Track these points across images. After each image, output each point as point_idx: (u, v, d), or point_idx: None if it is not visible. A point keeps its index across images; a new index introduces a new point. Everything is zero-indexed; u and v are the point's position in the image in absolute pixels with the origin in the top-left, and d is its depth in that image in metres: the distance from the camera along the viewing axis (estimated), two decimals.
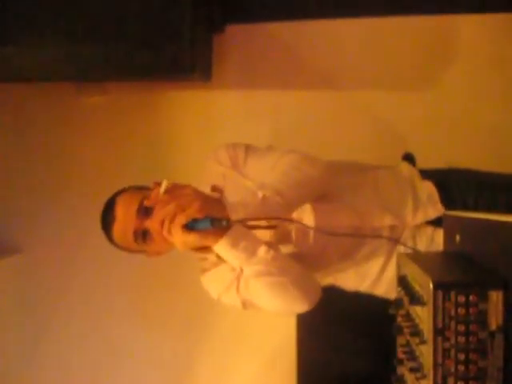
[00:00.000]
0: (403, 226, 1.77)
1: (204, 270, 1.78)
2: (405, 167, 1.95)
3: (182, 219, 1.47)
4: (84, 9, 2.20)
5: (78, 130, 2.55)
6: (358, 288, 1.87)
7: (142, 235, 1.62)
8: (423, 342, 1.08)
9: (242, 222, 1.54)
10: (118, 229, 1.65)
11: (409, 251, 1.75)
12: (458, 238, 1.37)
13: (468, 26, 2.40)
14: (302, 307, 1.67)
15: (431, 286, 1.02)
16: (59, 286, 2.52)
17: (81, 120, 2.55)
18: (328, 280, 1.87)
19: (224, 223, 1.48)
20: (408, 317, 1.25)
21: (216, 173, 1.78)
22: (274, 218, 1.63)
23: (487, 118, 2.39)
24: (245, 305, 1.72)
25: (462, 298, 1.02)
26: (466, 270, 1.17)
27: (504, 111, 2.37)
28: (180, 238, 1.49)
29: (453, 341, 1.03)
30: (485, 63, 2.39)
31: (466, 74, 2.41)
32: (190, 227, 1.47)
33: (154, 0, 2.18)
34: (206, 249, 1.56)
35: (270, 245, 1.60)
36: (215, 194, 1.71)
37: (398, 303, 1.39)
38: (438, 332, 1.03)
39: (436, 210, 1.77)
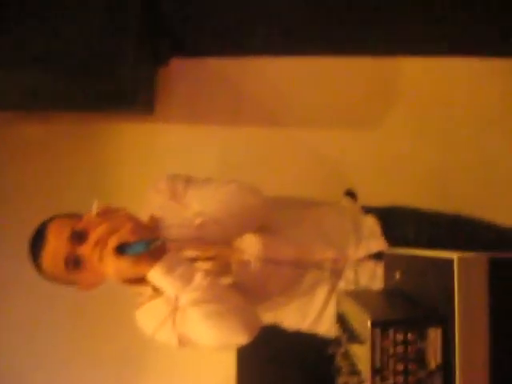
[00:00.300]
0: (345, 260, 1.75)
1: (139, 305, 1.70)
2: (347, 202, 1.97)
3: (113, 241, 1.41)
4: (29, 34, 2.14)
5: (17, 161, 2.46)
6: (300, 326, 1.82)
7: (74, 262, 1.54)
8: (361, 382, 1.05)
9: (177, 242, 1.51)
10: (47, 255, 1.56)
11: (350, 287, 1.74)
12: (397, 274, 1.36)
13: (412, 68, 2.44)
14: (241, 338, 1.60)
15: (369, 323, 0.99)
16: None
17: (20, 150, 2.46)
18: (268, 317, 1.83)
19: (158, 242, 1.43)
20: (346, 356, 1.22)
21: (155, 204, 1.74)
22: (210, 243, 1.63)
23: (429, 158, 2.42)
24: (181, 341, 1.63)
25: (400, 336, 0.99)
26: (404, 308, 1.15)
27: (446, 152, 2.41)
28: (112, 264, 1.43)
29: (391, 380, 1.00)
30: (428, 104, 2.43)
31: (409, 114, 2.45)
32: (121, 251, 1.41)
33: (99, 30, 2.12)
34: (140, 282, 1.52)
35: (207, 272, 1.55)
36: (152, 223, 1.66)
37: (337, 342, 1.36)
38: (376, 371, 0.99)
39: (378, 244, 1.76)
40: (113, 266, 1.44)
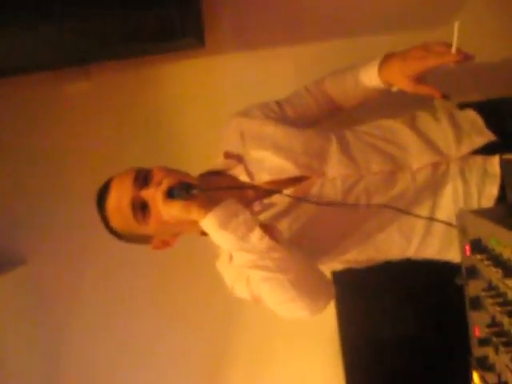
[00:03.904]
0: (447, 162, 1.56)
1: (218, 255, 1.57)
2: (437, 102, 1.73)
3: (164, 185, 1.35)
4: None
5: (68, 123, 2.28)
6: (406, 253, 1.63)
7: (141, 208, 1.44)
8: None
9: (210, 189, 1.44)
10: (112, 202, 1.48)
11: (459, 193, 1.53)
12: None
13: None
14: (303, 313, 1.45)
15: None
16: (68, 293, 2.30)
17: (68, 111, 2.27)
18: (368, 253, 1.64)
19: (194, 191, 1.36)
20: (494, 290, 1.00)
21: (234, 137, 1.67)
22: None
23: None
24: (255, 299, 1.50)
25: None
26: None
27: None
28: (163, 208, 1.36)
29: None
30: None
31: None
32: (170, 195, 1.36)
33: None
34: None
35: (269, 228, 1.39)
36: (230, 162, 1.63)
37: (471, 272, 1.15)
38: None
39: (483, 136, 1.57)
40: (164, 211, 1.36)
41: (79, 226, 2.20)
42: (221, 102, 2.15)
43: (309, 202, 1.52)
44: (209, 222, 1.34)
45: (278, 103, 1.74)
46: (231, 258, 1.43)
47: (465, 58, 1.44)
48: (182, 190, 1.35)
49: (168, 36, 1.90)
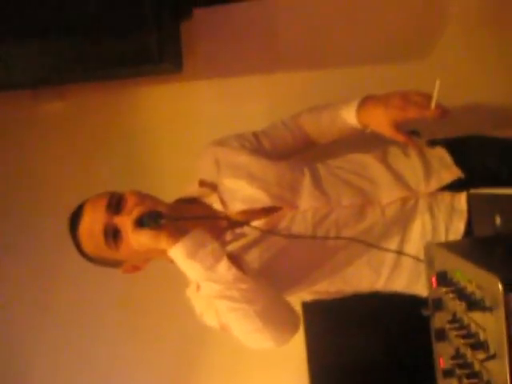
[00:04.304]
0: (416, 197, 1.59)
1: (188, 283, 1.57)
2: None
3: (134, 213, 1.37)
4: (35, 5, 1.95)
5: (41, 142, 2.26)
6: (374, 285, 1.66)
7: (113, 234, 1.45)
8: (491, 357, 0.86)
9: (180, 219, 1.43)
10: (85, 228, 1.49)
11: (427, 228, 1.56)
12: (498, 219, 1.15)
13: None
14: (269, 343, 1.46)
15: (500, 287, 0.80)
16: (40, 307, 2.25)
17: (42, 130, 2.26)
18: (337, 285, 1.66)
19: (163, 220, 1.37)
20: (458, 323, 1.02)
21: (209, 165, 1.69)
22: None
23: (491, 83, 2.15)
24: (223, 328, 1.51)
25: None
26: None
27: None
28: (132, 236, 1.37)
29: None
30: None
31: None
32: (140, 224, 1.37)
33: None
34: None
35: (236, 259, 1.41)
36: (204, 190, 1.65)
37: (437, 304, 1.17)
38: None
39: (451, 173, 1.61)
40: (134, 239, 1.38)
41: (50, 245, 2.18)
42: (196, 127, 2.16)
43: (278, 234, 1.54)
44: (177, 252, 1.35)
45: (255, 134, 1.76)
46: (199, 287, 1.44)
47: (442, 114, 1.51)
48: (152, 218, 1.36)
49: (145, 60, 1.91)
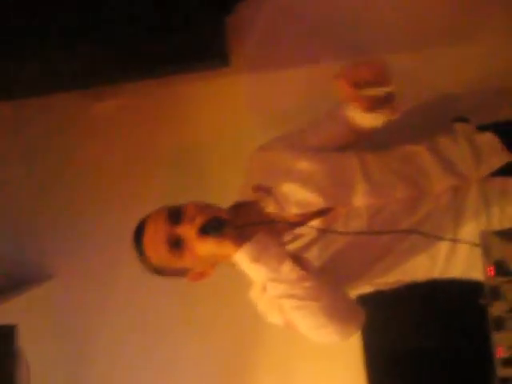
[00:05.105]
0: (468, 185, 1.58)
1: (252, 283, 1.60)
2: (457, 125, 1.76)
3: (198, 222, 1.44)
4: (77, 7, 2.00)
5: (97, 140, 2.33)
6: (431, 274, 1.65)
7: (176, 243, 1.50)
8: None
9: (241, 226, 1.48)
10: (149, 242, 1.54)
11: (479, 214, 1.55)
12: None
13: None
14: (334, 338, 1.50)
15: None
16: (98, 308, 2.31)
17: (97, 128, 2.32)
18: (395, 276, 1.67)
19: (227, 229, 1.43)
20: None
21: (261, 171, 1.71)
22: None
23: None
24: (288, 326, 1.54)
25: None
26: None
27: None
28: (197, 244, 1.45)
29: None
30: None
31: None
32: (205, 232, 1.44)
33: None
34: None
35: (298, 259, 1.46)
36: (259, 195, 1.65)
37: (495, 293, 1.16)
38: None
39: (501, 157, 1.59)
40: (199, 247, 1.45)
41: (107, 241, 2.25)
42: (244, 122, 2.19)
43: (335, 232, 1.56)
44: (241, 256, 1.42)
45: (301, 132, 1.77)
46: (264, 288, 1.47)
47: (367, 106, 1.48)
48: (215, 225, 1.42)
49: (192, 56, 1.97)
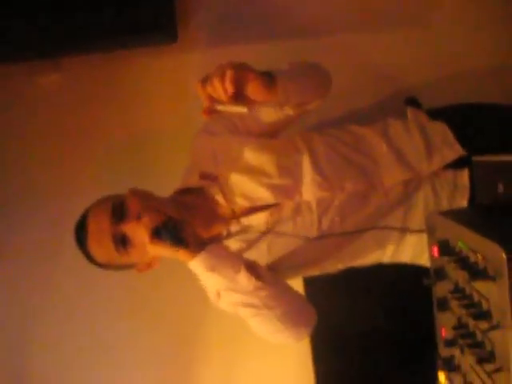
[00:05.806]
0: (419, 177, 1.56)
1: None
2: (409, 112, 1.72)
3: (150, 224, 1.38)
4: None
5: (37, 116, 2.22)
6: (380, 260, 1.66)
7: (121, 241, 1.46)
8: (495, 327, 0.85)
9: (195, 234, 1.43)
10: (93, 240, 1.49)
11: (429, 207, 1.55)
12: (500, 186, 1.13)
13: None
14: (288, 340, 1.54)
15: (504, 255, 0.78)
16: (43, 287, 2.22)
17: (40, 103, 2.22)
18: (345, 263, 1.68)
19: (183, 245, 1.38)
20: (461, 292, 1.01)
21: (206, 156, 1.64)
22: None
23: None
24: (238, 314, 1.53)
25: None
26: None
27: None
28: (151, 249, 1.40)
29: None
30: None
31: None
32: (158, 235, 1.38)
33: None
34: None
35: (253, 267, 1.44)
36: (205, 183, 1.60)
37: (439, 274, 1.16)
38: None
39: (453, 150, 1.57)
40: (151, 250, 1.41)
41: (44, 220, 2.17)
42: (192, 98, 2.11)
43: (286, 235, 1.56)
44: (196, 265, 1.39)
45: (242, 117, 1.65)
46: (219, 294, 1.45)
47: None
48: (170, 231, 1.37)
49: (140, 31, 1.90)
